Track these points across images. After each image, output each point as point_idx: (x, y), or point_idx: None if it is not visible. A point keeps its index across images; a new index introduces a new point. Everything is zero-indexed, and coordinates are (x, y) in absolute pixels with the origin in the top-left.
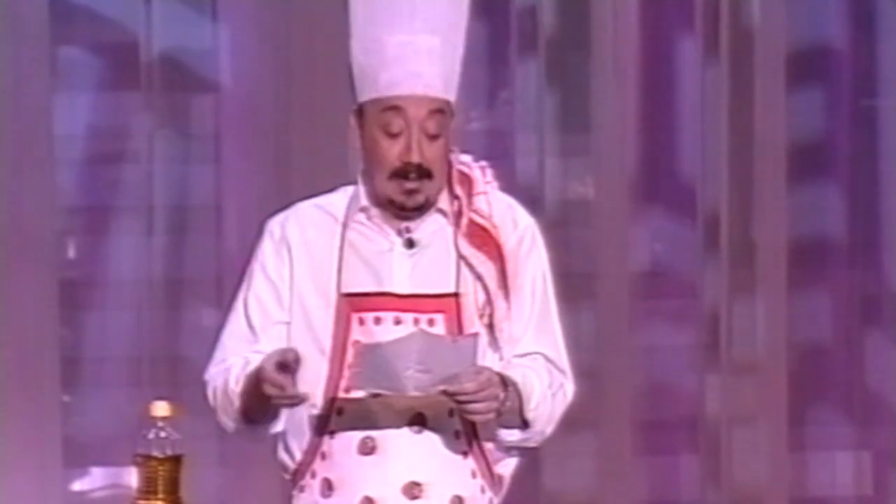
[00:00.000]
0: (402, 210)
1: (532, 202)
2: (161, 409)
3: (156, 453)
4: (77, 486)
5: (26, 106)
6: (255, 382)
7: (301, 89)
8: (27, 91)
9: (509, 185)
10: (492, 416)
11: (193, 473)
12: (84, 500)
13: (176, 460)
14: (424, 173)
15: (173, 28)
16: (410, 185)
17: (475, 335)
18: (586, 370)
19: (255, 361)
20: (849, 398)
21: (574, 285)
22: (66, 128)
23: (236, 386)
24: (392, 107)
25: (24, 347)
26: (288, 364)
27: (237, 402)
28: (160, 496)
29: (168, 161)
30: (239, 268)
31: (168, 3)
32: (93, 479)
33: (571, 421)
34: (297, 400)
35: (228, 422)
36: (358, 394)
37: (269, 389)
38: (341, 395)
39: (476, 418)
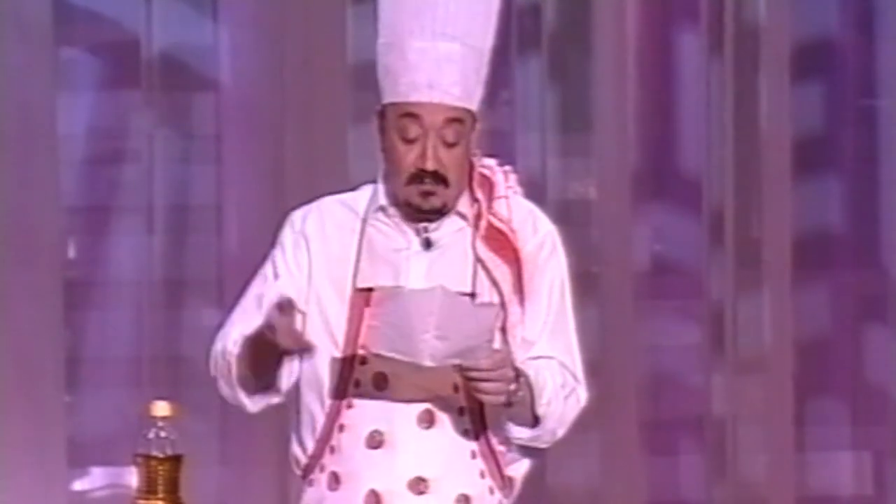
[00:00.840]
0: (419, 212)
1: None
2: (161, 409)
3: (156, 453)
4: (77, 485)
5: (29, 106)
6: (256, 338)
7: (300, 88)
8: (30, 91)
9: None
10: (502, 398)
11: (193, 473)
12: (84, 500)
13: (176, 460)
14: (440, 179)
15: (173, 27)
16: (426, 187)
17: (495, 305)
18: (591, 368)
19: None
20: (855, 396)
21: (577, 284)
22: (66, 128)
23: (234, 348)
24: (409, 114)
25: (28, 347)
26: (283, 305)
27: (234, 366)
28: (160, 496)
29: (168, 160)
30: (239, 267)
31: (168, 3)
32: (93, 479)
33: (576, 419)
34: (300, 341)
35: (226, 388)
36: (368, 388)
37: (277, 336)
38: (352, 389)
39: (487, 398)
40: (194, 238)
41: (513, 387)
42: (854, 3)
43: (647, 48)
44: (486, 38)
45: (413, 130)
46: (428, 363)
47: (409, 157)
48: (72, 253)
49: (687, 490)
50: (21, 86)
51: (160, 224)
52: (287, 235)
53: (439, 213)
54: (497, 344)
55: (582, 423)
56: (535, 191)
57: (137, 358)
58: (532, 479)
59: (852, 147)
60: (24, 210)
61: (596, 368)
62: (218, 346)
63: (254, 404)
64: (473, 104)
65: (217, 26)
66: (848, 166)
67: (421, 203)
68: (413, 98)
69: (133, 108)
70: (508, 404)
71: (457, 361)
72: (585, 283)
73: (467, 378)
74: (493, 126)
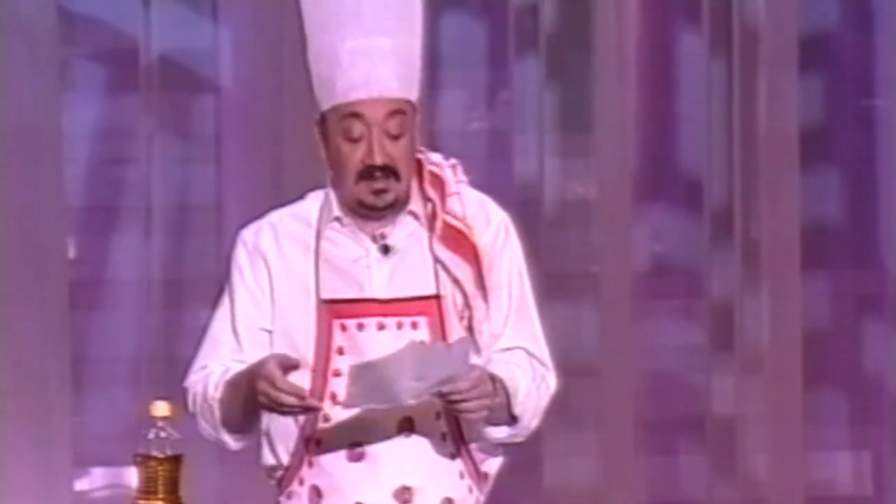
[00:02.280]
0: (372, 210)
1: (532, 202)
2: (161, 409)
3: (156, 453)
4: (78, 485)
5: (34, 108)
6: (248, 385)
7: (300, 89)
8: (35, 94)
9: (509, 185)
10: (485, 413)
11: (193, 473)
12: (85, 500)
13: (176, 460)
14: (390, 173)
15: (174, 29)
16: (378, 184)
17: (467, 339)
18: (590, 369)
19: (235, 369)
20: (855, 395)
21: (577, 284)
22: (67, 129)
23: (216, 392)
24: (351, 114)
25: (33, 348)
26: (289, 368)
27: (217, 410)
28: (160, 496)
29: (169, 161)
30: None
31: (168, 5)
32: (93, 479)
33: (574, 419)
34: (311, 408)
35: (208, 428)
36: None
37: (285, 398)
38: (327, 402)
39: (470, 417)
40: (194, 238)
41: (492, 392)
42: (855, 1)
43: (646, 47)
44: (413, 31)
45: (357, 129)
46: (409, 402)
47: (356, 155)
48: (72, 253)
49: (688, 490)
50: (26, 88)
51: (160, 224)
52: (242, 256)
53: (392, 208)
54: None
55: (581, 423)
56: (533, 191)
57: (137, 358)
58: (531, 478)
59: (853, 144)
60: (29, 211)
61: (595, 369)
62: (196, 385)
63: (236, 443)
64: (412, 95)
65: (216, 27)
66: (848, 163)
67: (374, 201)
68: (352, 97)
69: (133, 110)
70: (489, 411)
71: (436, 390)
72: (585, 283)
73: (448, 402)
74: (491, 126)
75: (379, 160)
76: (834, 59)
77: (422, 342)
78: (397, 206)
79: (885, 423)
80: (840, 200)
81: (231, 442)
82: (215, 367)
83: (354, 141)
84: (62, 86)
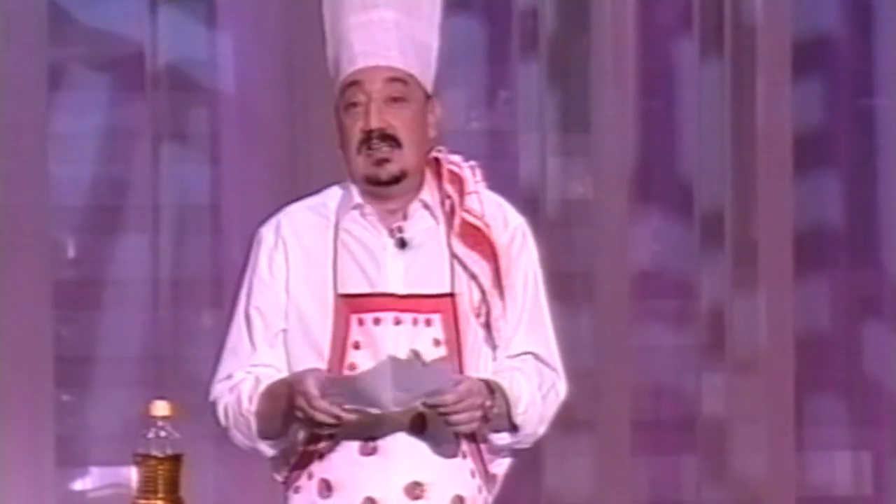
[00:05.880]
0: (378, 185)
1: (533, 202)
2: (161, 408)
3: (155, 453)
4: (77, 485)
5: (25, 106)
6: (287, 398)
7: (302, 93)
8: (26, 94)
9: (510, 184)
10: (475, 425)
11: (193, 473)
12: (84, 500)
13: (176, 460)
14: (389, 138)
15: (176, 34)
16: (378, 153)
17: (444, 358)
18: (585, 370)
19: (265, 379)
20: (853, 395)
21: (574, 285)
22: (71, 131)
23: (251, 405)
24: (350, 83)
25: (19, 346)
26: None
27: (254, 423)
28: (160, 496)
29: (170, 163)
30: (239, 268)
31: (172, 13)
32: (93, 479)
33: (571, 421)
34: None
35: (243, 440)
36: None
37: (320, 416)
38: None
39: (459, 429)
40: (194, 238)
41: (487, 403)
42: (852, 2)
43: (643, 50)
44: (422, 14)
45: (356, 96)
46: (395, 409)
47: (357, 125)
48: (72, 253)
49: (685, 491)
50: (17, 88)
51: (160, 224)
52: (261, 254)
53: (398, 181)
54: (481, 337)
55: (577, 425)
56: (534, 191)
57: (137, 358)
58: (528, 480)
59: (850, 146)
60: (17, 210)
61: (591, 369)
62: (225, 397)
63: (272, 449)
64: (416, 70)
65: (218, 33)
66: (845, 165)
67: (378, 172)
68: (353, 68)
69: (136, 114)
70: (486, 419)
71: (422, 401)
72: (582, 283)
73: (437, 413)
74: (493, 126)
75: (375, 124)
76: (830, 59)
77: (399, 358)
78: (405, 180)
79: (884, 424)
80: (839, 202)
81: (267, 449)
82: (241, 375)
83: (354, 107)
84: (62, 86)
